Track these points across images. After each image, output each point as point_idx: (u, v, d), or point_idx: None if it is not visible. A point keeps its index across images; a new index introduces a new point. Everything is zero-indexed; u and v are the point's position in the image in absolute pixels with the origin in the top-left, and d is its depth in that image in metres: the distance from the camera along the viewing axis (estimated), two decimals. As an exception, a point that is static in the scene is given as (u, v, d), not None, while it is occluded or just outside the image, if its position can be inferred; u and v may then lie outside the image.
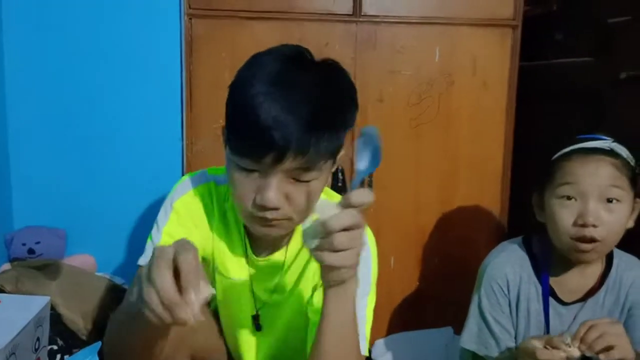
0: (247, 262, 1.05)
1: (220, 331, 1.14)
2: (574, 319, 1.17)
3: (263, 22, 1.63)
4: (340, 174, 1.54)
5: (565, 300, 1.17)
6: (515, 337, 1.19)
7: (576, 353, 0.97)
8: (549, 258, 1.18)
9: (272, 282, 1.06)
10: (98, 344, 1.03)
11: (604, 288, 1.17)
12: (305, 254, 1.04)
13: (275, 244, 1.03)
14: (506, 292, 1.19)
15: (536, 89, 1.87)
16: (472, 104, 1.72)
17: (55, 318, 1.36)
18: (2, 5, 1.60)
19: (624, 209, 1.09)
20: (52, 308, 1.37)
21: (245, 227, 1.03)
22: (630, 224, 1.13)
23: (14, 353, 1.02)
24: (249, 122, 0.83)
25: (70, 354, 1.32)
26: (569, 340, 0.99)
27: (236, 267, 1.05)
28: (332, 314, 0.84)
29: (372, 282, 1.03)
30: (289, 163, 0.84)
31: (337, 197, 1.08)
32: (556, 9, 2.11)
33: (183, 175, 1.65)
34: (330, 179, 1.02)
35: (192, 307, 0.65)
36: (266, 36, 1.62)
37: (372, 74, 1.67)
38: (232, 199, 0.96)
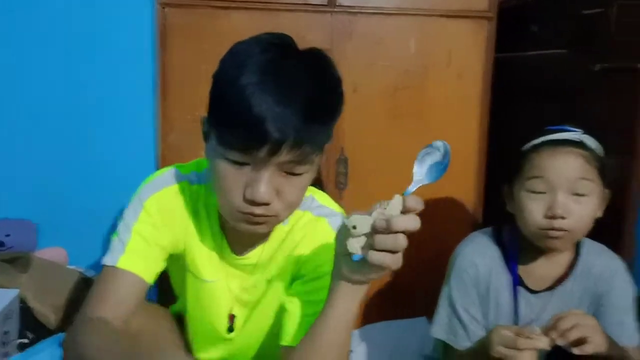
0: (223, 262, 1.03)
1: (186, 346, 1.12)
2: (544, 307, 1.19)
3: (238, 12, 1.61)
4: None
5: (535, 288, 1.19)
6: (486, 327, 1.20)
7: (547, 344, 0.99)
8: (518, 247, 1.20)
9: (249, 281, 1.04)
10: (61, 336, 1.02)
11: (572, 276, 1.19)
12: (283, 251, 1.02)
13: (253, 241, 1.02)
14: (476, 282, 1.20)
15: (511, 80, 1.89)
16: (448, 95, 1.72)
17: (26, 311, 1.34)
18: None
19: (592, 201, 1.11)
20: (23, 301, 1.35)
21: (221, 226, 1.01)
22: (599, 213, 1.15)
23: (-20, 346, 1.00)
24: (242, 113, 0.80)
25: (41, 347, 1.31)
26: (538, 331, 1.00)
27: (211, 268, 1.03)
28: (341, 311, 0.81)
29: None
30: (283, 156, 0.82)
31: (320, 192, 1.07)
32: (531, 1, 2.12)
33: (156, 167, 1.65)
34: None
35: None
36: (241, 26, 1.60)
37: (348, 65, 1.67)
38: (217, 194, 0.92)
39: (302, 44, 0.92)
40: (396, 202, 0.73)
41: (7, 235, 1.58)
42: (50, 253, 1.61)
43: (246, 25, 1.60)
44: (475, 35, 1.72)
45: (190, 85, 1.60)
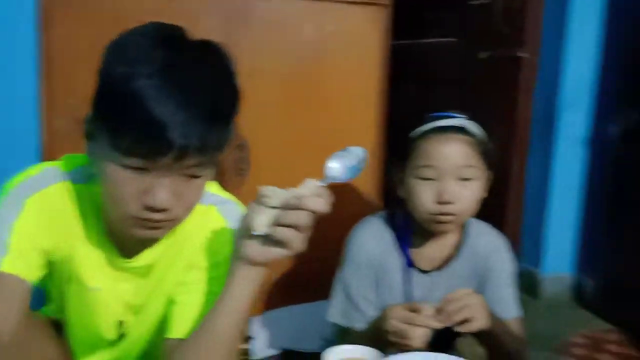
0: (112, 267, 0.97)
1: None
2: (434, 286, 1.25)
3: (127, -11, 1.52)
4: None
5: (425, 269, 1.26)
6: (380, 308, 1.25)
7: (437, 324, 1.04)
8: (410, 230, 1.25)
9: (142, 284, 0.99)
10: None
11: (460, 256, 1.26)
12: (175, 246, 0.97)
13: (144, 244, 0.96)
14: (369, 264, 1.24)
15: (407, 67, 1.96)
16: (345, 82, 1.75)
17: None
18: None
19: (478, 184, 1.19)
20: None
21: (108, 228, 0.94)
22: (484, 194, 1.22)
23: None
24: (141, 119, 0.74)
25: None
26: (431, 310, 1.06)
27: (98, 274, 0.96)
28: (237, 294, 0.80)
29: None
30: (187, 161, 0.78)
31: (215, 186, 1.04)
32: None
33: (40, 156, 1.52)
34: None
35: None
36: (132, 8, 1.51)
37: (243, 49, 1.64)
38: (107, 199, 0.85)
39: (197, 28, 0.88)
40: (310, 185, 0.75)
41: None
42: None
43: (137, 7, 1.51)
44: (373, 23, 1.76)
45: (81, 65, 1.49)
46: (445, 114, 1.22)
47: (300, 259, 1.78)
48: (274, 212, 0.74)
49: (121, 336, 1.03)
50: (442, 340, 1.15)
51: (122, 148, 0.78)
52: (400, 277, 1.25)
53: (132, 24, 0.83)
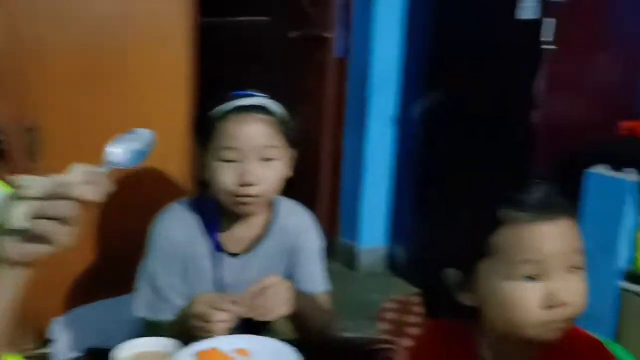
0: None
1: None
2: (245, 268, 1.23)
3: None
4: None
5: (235, 252, 1.23)
6: (190, 297, 1.20)
7: (241, 311, 1.03)
8: (218, 214, 1.21)
9: None
10: None
11: (269, 236, 1.25)
12: None
13: None
14: (175, 252, 1.18)
15: (218, 46, 1.90)
16: (149, 60, 1.64)
17: None
18: None
19: (281, 165, 1.18)
20: None
21: None
22: (289, 173, 1.22)
23: None
24: None
25: None
26: (237, 299, 1.04)
27: None
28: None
29: None
30: None
31: None
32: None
33: None
34: None
35: None
36: None
37: (37, 20, 1.45)
38: None
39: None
40: (77, 171, 0.65)
41: None
42: None
43: None
44: (179, -2, 1.66)
45: None
46: (246, 92, 1.19)
47: (103, 252, 1.66)
48: (35, 203, 0.64)
49: None
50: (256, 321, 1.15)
51: None
52: (209, 263, 1.21)
53: None
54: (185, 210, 1.22)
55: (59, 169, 1.54)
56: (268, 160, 1.15)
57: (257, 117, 1.15)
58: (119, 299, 1.59)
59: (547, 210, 0.75)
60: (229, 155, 1.13)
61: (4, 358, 0.79)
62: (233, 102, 1.16)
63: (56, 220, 0.63)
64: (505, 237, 0.75)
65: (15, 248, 0.65)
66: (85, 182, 0.65)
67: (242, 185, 1.13)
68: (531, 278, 0.74)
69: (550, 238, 0.75)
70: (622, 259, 1.85)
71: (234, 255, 1.23)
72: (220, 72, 1.94)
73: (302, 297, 1.13)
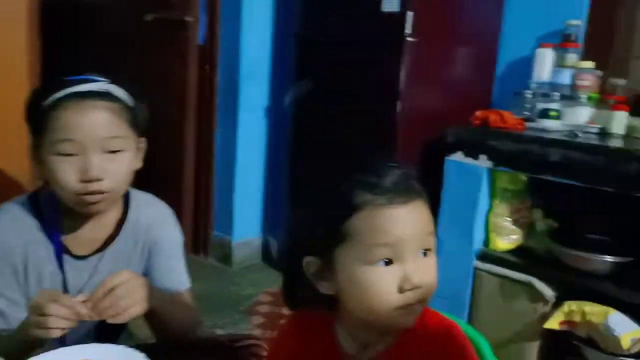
0: None
1: None
2: (95, 271, 1.12)
3: None
4: None
5: (83, 254, 1.11)
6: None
7: (87, 313, 0.92)
8: (59, 214, 1.09)
9: None
10: None
11: (122, 234, 1.15)
12: None
13: None
14: (9, 259, 1.04)
15: (64, 27, 1.73)
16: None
17: None
18: None
19: (128, 156, 1.06)
20: None
21: None
22: (138, 164, 1.12)
23: None
24: None
25: None
26: (80, 298, 0.93)
27: None
28: None
29: None
30: None
31: None
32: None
33: None
34: None
35: None
36: None
37: None
38: None
39: None
40: None
41: None
42: None
43: None
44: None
45: None
46: (84, 76, 1.05)
47: None
48: None
49: None
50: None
51: None
52: (52, 267, 1.08)
53: None
54: (21, 211, 1.08)
55: None
56: (113, 152, 1.03)
57: (97, 104, 1.02)
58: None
59: (400, 193, 0.75)
60: (67, 148, 1.00)
61: None
62: (69, 88, 1.02)
63: None
64: (359, 221, 0.74)
65: None
66: None
67: (85, 182, 1.00)
68: (386, 262, 0.74)
69: (405, 221, 0.75)
70: (478, 241, 1.97)
71: (82, 257, 1.11)
72: (71, 56, 1.77)
73: (159, 295, 1.05)
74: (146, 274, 1.15)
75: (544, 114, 1.91)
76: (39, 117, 1.02)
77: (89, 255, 1.12)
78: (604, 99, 1.98)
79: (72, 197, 1.03)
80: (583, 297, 1.71)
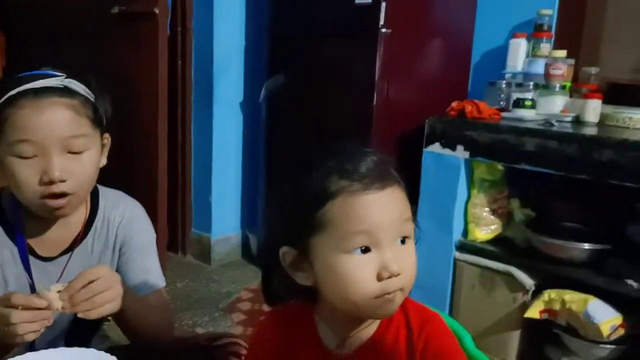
0: None
1: None
2: (65, 273, 1.08)
3: None
4: None
5: (49, 255, 1.07)
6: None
7: (59, 304, 0.88)
8: (22, 214, 1.04)
9: None
10: None
11: (91, 233, 1.11)
12: None
13: None
14: None
15: (28, 22, 1.67)
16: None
17: None
18: None
19: (92, 154, 1.01)
20: None
21: None
22: (103, 161, 1.07)
23: None
24: None
25: None
26: (58, 288, 0.89)
27: None
28: None
29: None
30: None
31: None
32: None
33: None
34: None
35: None
36: None
37: None
38: None
39: None
40: None
41: None
42: None
43: None
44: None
45: None
46: (40, 72, 0.99)
47: None
48: None
49: None
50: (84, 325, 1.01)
51: None
52: (17, 270, 1.04)
53: None
54: None
55: None
56: (76, 153, 0.98)
57: (54, 101, 0.96)
58: None
59: (376, 179, 0.73)
60: (26, 149, 0.94)
61: None
62: (23, 85, 0.96)
63: None
64: (334, 208, 0.72)
65: None
66: None
67: (47, 184, 0.95)
68: (364, 250, 0.72)
69: (381, 207, 0.73)
70: (457, 232, 1.97)
71: (49, 259, 1.07)
72: (34, 53, 1.71)
73: (132, 296, 1.01)
74: (119, 274, 1.11)
75: (519, 103, 1.91)
76: None
77: (56, 257, 1.08)
78: (577, 88, 1.99)
79: (34, 202, 0.98)
80: (562, 285, 1.71)
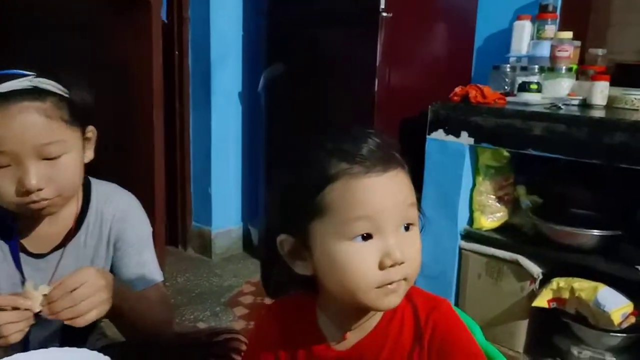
0: None
1: None
2: (55, 269, 1.04)
3: None
4: None
5: (41, 252, 1.03)
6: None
7: (38, 308, 0.84)
8: (12, 213, 0.99)
9: None
10: None
11: (83, 228, 1.07)
12: None
13: None
14: None
15: (21, 20, 1.62)
16: None
17: None
18: None
19: (71, 157, 0.95)
20: None
21: None
22: (90, 155, 1.02)
23: None
24: None
25: None
26: (44, 291, 0.85)
27: None
28: None
29: None
30: None
31: None
32: None
33: None
34: None
35: None
36: None
37: None
38: None
39: None
40: None
41: None
42: None
43: None
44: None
45: None
46: (6, 72, 0.92)
47: None
48: None
49: None
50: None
51: None
52: (9, 267, 1.01)
53: None
54: None
55: None
56: (52, 159, 0.92)
57: (24, 106, 0.89)
58: None
59: (378, 161, 0.68)
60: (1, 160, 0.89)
61: None
62: None
63: None
64: (334, 192, 0.67)
65: None
66: None
67: (24, 194, 0.91)
68: (365, 236, 0.67)
69: (384, 191, 0.68)
70: (463, 220, 1.93)
71: (40, 255, 1.03)
72: (24, 43, 1.66)
73: (126, 294, 0.97)
74: (114, 269, 1.08)
75: (524, 87, 1.86)
76: None
77: (48, 253, 1.04)
78: (583, 70, 1.93)
79: (15, 208, 0.94)
80: (571, 273, 1.67)
